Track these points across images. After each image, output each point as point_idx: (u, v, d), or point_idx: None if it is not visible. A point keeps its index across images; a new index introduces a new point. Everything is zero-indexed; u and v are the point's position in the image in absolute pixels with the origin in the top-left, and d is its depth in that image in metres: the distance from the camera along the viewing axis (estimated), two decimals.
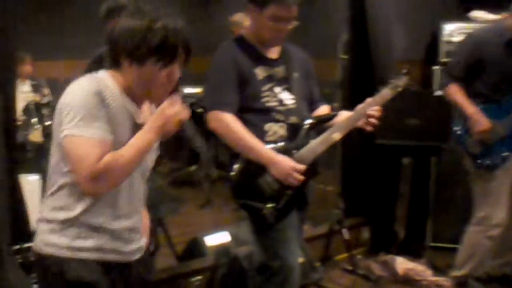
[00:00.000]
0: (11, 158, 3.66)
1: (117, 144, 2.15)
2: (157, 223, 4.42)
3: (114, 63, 2.24)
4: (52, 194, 2.25)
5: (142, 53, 2.14)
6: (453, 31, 5.65)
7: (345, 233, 4.92)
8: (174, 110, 2.20)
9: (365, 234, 5.45)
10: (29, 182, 4.28)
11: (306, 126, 3.31)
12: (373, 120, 3.25)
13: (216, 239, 4.51)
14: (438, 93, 4.95)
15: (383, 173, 5.38)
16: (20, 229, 3.67)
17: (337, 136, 3.27)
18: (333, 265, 5.01)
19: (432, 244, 5.20)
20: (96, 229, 2.23)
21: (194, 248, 4.52)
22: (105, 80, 2.20)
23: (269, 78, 3.29)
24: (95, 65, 4.04)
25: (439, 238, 5.18)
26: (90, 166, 2.06)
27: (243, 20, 5.67)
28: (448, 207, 5.15)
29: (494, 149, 4.20)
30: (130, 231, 2.34)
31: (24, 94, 6.29)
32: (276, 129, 3.26)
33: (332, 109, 3.41)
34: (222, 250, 4.27)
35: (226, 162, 3.42)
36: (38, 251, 2.27)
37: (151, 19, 2.15)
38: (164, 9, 2.22)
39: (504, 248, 4.45)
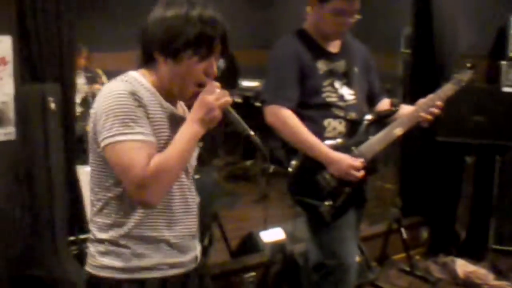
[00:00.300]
0: (70, 149, 3.69)
1: (158, 146, 2.01)
2: (212, 218, 4.41)
3: (146, 60, 2.10)
4: (99, 211, 2.08)
5: (178, 46, 1.99)
6: None
7: (404, 233, 4.80)
8: (215, 96, 2.02)
9: (424, 234, 5.32)
10: (87, 173, 4.31)
11: (366, 122, 3.24)
12: (434, 116, 3.17)
13: (271, 235, 4.47)
14: (506, 89, 4.78)
15: (444, 171, 5.24)
16: (77, 220, 3.69)
17: (398, 131, 3.20)
18: (389, 265, 4.91)
19: (495, 246, 5.02)
20: (152, 242, 2.07)
21: (249, 244, 4.49)
22: (138, 79, 2.05)
23: (330, 73, 3.23)
24: None
25: (502, 240, 5.00)
26: (140, 173, 1.91)
27: None
28: None
29: None
30: (188, 238, 2.17)
31: (79, 86, 6.35)
32: (335, 125, 3.20)
33: (392, 104, 3.30)
34: (277, 246, 4.22)
35: (281, 158, 3.38)
36: (91, 274, 2.10)
37: (186, 10, 2.01)
38: None
39: None
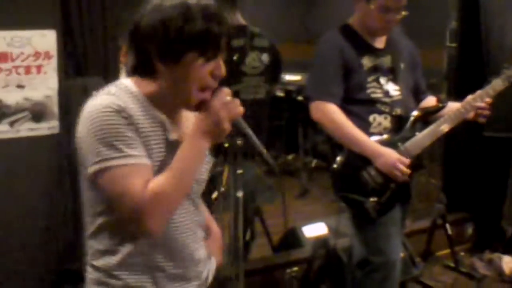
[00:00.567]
0: None
1: (154, 167, 1.74)
2: (254, 213, 4.40)
3: (141, 65, 1.77)
4: (92, 235, 1.85)
5: (179, 47, 1.69)
6: None
7: (449, 229, 4.73)
8: (225, 106, 1.74)
9: (469, 230, 5.24)
10: None
11: (412, 118, 3.20)
12: (483, 113, 3.14)
13: (314, 230, 4.45)
14: None
15: (490, 167, 5.14)
16: None
17: (445, 128, 3.16)
18: (434, 261, 4.84)
19: None
20: (147, 273, 1.84)
21: (291, 239, 4.48)
22: (130, 89, 1.78)
23: (375, 68, 3.20)
24: None
25: None
26: (136, 202, 1.66)
27: None
28: None
29: None
30: (191, 266, 1.93)
31: None
32: (380, 120, 3.16)
33: (439, 100, 3.25)
34: (320, 241, 4.18)
35: (324, 152, 3.35)
36: None
37: (186, 4, 1.71)
38: None
39: None
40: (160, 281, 1.86)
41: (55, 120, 3.47)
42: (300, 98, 6.85)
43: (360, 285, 3.35)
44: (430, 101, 3.38)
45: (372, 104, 3.16)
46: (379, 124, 3.16)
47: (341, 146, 3.16)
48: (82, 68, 3.65)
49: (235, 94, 4.33)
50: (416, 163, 3.16)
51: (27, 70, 3.36)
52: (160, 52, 1.71)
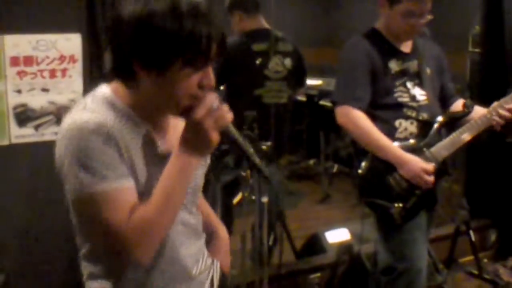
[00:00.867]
0: None
1: (140, 186, 1.60)
2: (277, 217, 4.38)
3: (121, 71, 1.60)
4: (85, 257, 1.74)
5: (164, 53, 1.50)
6: None
7: (472, 235, 4.68)
8: (210, 114, 1.57)
9: (492, 237, 5.18)
10: None
11: (438, 124, 3.17)
12: (506, 120, 3.11)
13: (337, 235, 4.43)
14: None
15: None
16: None
17: (466, 137, 3.14)
18: (457, 268, 4.79)
19: None
20: None
21: (315, 244, 4.46)
22: (109, 98, 1.62)
23: (402, 73, 3.18)
24: (220, 59, 4.07)
25: None
26: (119, 233, 1.53)
27: None
28: None
29: None
30: (187, 281, 1.82)
31: None
32: (406, 125, 3.14)
33: (466, 105, 3.22)
34: (344, 247, 4.16)
35: (346, 158, 3.34)
36: None
37: (171, 2, 1.51)
38: None
39: None
40: None
41: None
42: (321, 102, 6.84)
43: None
44: (457, 105, 3.35)
45: (398, 109, 3.13)
46: (405, 129, 3.13)
47: (365, 151, 3.14)
48: (106, 72, 3.65)
49: (258, 98, 4.36)
50: (442, 169, 3.13)
51: (52, 73, 3.36)
52: (142, 57, 1.53)
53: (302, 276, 4.16)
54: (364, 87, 3.11)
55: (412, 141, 3.13)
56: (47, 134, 3.37)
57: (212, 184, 4.16)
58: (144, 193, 1.59)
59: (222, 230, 2.11)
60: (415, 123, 3.14)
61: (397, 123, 3.13)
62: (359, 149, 3.17)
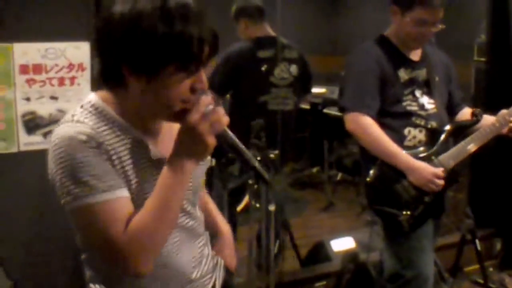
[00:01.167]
0: None
1: (134, 194, 1.57)
2: (281, 226, 4.39)
3: (109, 77, 1.57)
4: (86, 262, 1.73)
5: (154, 59, 1.45)
6: None
7: (478, 244, 4.68)
8: (204, 118, 1.50)
9: (497, 245, 5.18)
10: None
11: (446, 132, 3.18)
12: None
13: (342, 244, 4.43)
14: None
15: None
16: None
17: (472, 148, 3.16)
18: (463, 277, 4.79)
19: None
20: None
21: (319, 252, 4.45)
22: (96, 108, 1.58)
23: (411, 81, 3.19)
24: (225, 66, 4.09)
25: None
26: (113, 246, 1.50)
27: None
28: None
29: None
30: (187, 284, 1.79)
31: None
32: (415, 133, 3.15)
33: (474, 114, 3.23)
34: (350, 255, 4.16)
35: (349, 166, 3.35)
36: None
37: (160, 5, 1.45)
38: None
39: None
40: None
41: None
42: (325, 110, 6.85)
43: None
44: (465, 113, 3.36)
45: (407, 117, 3.14)
46: (414, 137, 3.14)
47: (373, 159, 3.14)
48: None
49: (263, 105, 4.37)
50: (450, 178, 3.13)
51: (61, 81, 3.37)
52: (131, 62, 1.48)
53: (308, 284, 4.16)
54: (373, 94, 3.11)
55: (421, 148, 3.13)
56: None
57: (218, 191, 4.17)
58: (138, 201, 1.56)
59: (225, 227, 2.09)
60: (424, 131, 3.15)
61: (406, 131, 3.14)
62: (367, 157, 3.17)
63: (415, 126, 3.14)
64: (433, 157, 3.11)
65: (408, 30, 3.11)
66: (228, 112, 4.50)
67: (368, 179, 3.16)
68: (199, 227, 1.84)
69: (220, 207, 4.09)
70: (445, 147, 3.15)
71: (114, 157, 1.53)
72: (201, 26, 1.47)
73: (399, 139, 3.11)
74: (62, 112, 3.37)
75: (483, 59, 5.01)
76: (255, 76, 4.14)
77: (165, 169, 1.55)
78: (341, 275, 4.09)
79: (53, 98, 3.37)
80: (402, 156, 3.07)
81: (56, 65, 3.35)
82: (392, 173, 3.09)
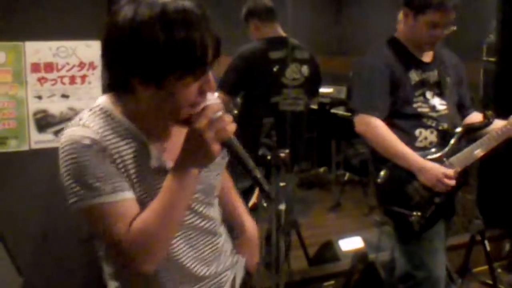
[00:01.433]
0: None
1: (138, 197, 1.59)
2: (290, 225, 4.39)
3: (117, 82, 1.59)
4: (102, 258, 1.77)
5: (160, 68, 1.46)
6: None
7: (487, 245, 4.67)
8: (211, 124, 1.51)
9: (506, 246, 5.17)
10: None
11: (457, 134, 3.17)
12: None
13: (351, 243, 4.43)
14: None
15: None
16: None
17: (479, 153, 3.15)
18: (471, 278, 4.77)
19: None
20: None
21: (328, 252, 4.45)
22: (104, 111, 1.60)
23: (422, 83, 3.18)
24: (239, 65, 4.09)
25: None
26: (118, 244, 1.54)
27: None
28: None
29: None
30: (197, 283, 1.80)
31: None
32: (426, 134, 3.14)
33: (486, 116, 3.22)
34: (358, 255, 4.16)
35: (357, 166, 3.34)
36: None
37: (160, 9, 1.45)
38: None
39: None
40: None
41: None
42: (333, 110, 6.85)
43: None
44: (476, 117, 3.35)
45: (418, 119, 3.13)
46: (425, 138, 3.13)
47: (384, 160, 3.13)
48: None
49: (275, 106, 4.36)
50: (462, 179, 3.13)
51: (72, 80, 3.39)
52: (138, 72, 1.49)
53: (316, 283, 4.16)
54: (383, 96, 3.11)
55: (433, 150, 3.13)
56: None
57: None
58: (142, 204, 1.58)
59: (249, 225, 2.09)
60: (435, 133, 3.15)
61: (417, 132, 3.13)
62: (377, 158, 3.16)
63: (426, 127, 3.14)
64: (444, 159, 3.11)
65: (421, 33, 3.10)
66: (240, 112, 4.51)
67: (378, 180, 3.15)
68: (214, 227, 1.84)
69: None
70: (457, 149, 3.14)
71: (118, 161, 1.56)
72: (202, 30, 1.47)
73: (410, 140, 3.10)
74: (73, 110, 3.39)
75: (492, 59, 4.99)
76: (267, 77, 4.14)
77: (170, 173, 1.57)
78: (350, 275, 4.08)
79: (64, 96, 3.38)
80: (413, 156, 3.06)
81: (67, 63, 3.37)
82: (403, 174, 3.08)
